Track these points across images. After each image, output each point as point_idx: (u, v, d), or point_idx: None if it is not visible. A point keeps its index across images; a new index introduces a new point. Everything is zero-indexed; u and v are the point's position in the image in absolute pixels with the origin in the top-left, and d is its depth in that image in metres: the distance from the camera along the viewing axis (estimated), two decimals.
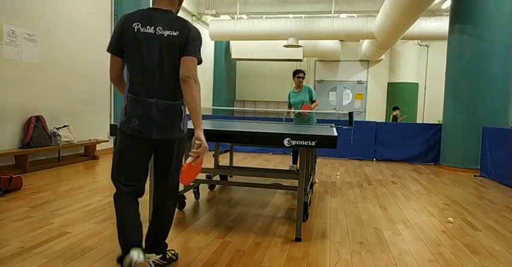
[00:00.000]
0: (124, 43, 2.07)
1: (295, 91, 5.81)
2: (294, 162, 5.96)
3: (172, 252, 2.41)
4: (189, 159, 2.07)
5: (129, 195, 2.13)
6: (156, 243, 2.26)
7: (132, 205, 2.14)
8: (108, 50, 2.12)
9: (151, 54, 2.04)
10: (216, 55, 13.18)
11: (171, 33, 2.04)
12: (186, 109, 2.15)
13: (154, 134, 2.08)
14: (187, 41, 2.06)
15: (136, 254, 1.99)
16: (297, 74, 5.74)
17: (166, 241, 2.33)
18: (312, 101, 5.72)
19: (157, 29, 2.04)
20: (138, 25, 2.04)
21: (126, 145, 2.12)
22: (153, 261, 2.19)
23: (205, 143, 2.08)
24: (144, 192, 2.20)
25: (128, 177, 2.12)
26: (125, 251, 2.03)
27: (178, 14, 2.20)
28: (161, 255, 2.25)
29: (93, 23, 6.92)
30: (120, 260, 2.05)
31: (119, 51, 2.09)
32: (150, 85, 2.06)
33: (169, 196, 2.28)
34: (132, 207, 2.14)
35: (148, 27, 2.05)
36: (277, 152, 8.27)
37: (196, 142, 2.07)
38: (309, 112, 5.68)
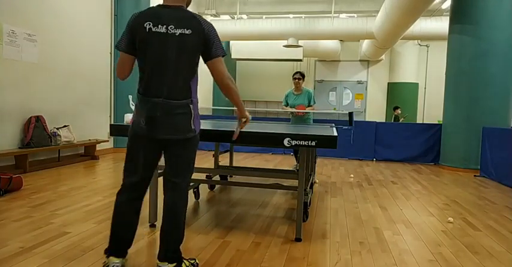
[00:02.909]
0: (136, 43, 2.05)
1: (295, 93, 5.79)
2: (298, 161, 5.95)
3: (192, 261, 2.29)
4: (240, 127, 2.43)
5: (130, 192, 2.18)
6: (167, 249, 2.16)
7: (130, 208, 2.19)
8: (119, 48, 2.09)
9: (163, 54, 2.02)
10: None
11: (183, 32, 2.01)
12: (196, 107, 2.18)
13: (161, 134, 2.08)
14: (207, 40, 2.05)
15: (113, 264, 2.15)
16: (294, 75, 5.74)
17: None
18: (309, 105, 5.72)
19: (169, 27, 2.01)
20: (149, 24, 2.01)
21: (135, 143, 2.16)
22: None
23: (248, 117, 2.41)
24: (146, 189, 2.25)
25: (134, 174, 2.16)
26: (110, 252, 2.19)
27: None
28: (175, 263, 2.14)
29: (94, 23, 6.92)
30: (106, 252, 2.21)
31: (132, 49, 2.07)
32: (158, 85, 2.04)
33: (179, 195, 2.20)
34: (128, 211, 2.19)
35: (160, 26, 2.01)
36: (277, 152, 8.27)
37: (243, 119, 2.42)
38: (303, 112, 5.68)
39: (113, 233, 2.19)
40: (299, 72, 5.76)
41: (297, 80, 5.69)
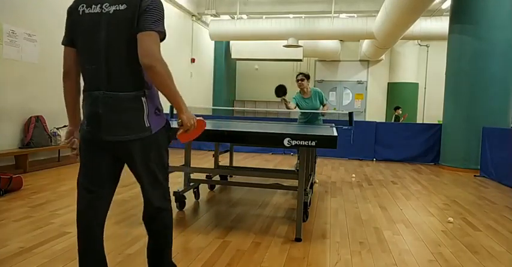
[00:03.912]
0: (73, 31, 1.76)
1: (304, 97, 5.35)
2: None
3: None
4: (180, 131, 1.85)
5: (89, 214, 1.83)
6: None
7: (92, 235, 1.84)
8: (61, 43, 1.81)
9: (97, 38, 1.69)
10: (216, 55, 13.18)
11: (117, 8, 1.67)
12: (153, 101, 1.80)
13: (107, 136, 1.72)
14: (141, 13, 1.65)
15: None
16: (296, 77, 5.32)
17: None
18: (322, 104, 5.34)
19: (103, 6, 1.69)
20: (83, 7, 1.73)
21: (84, 151, 1.82)
22: None
23: (188, 121, 1.80)
24: (110, 200, 1.89)
25: (88, 184, 1.82)
26: None
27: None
28: None
29: None
30: None
31: (69, 40, 1.78)
32: (96, 76, 1.71)
33: (151, 213, 1.87)
34: (92, 239, 1.84)
35: (94, 6, 1.71)
36: (277, 152, 8.27)
37: (178, 121, 1.84)
38: (314, 112, 5.48)
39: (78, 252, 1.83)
40: (302, 73, 5.32)
41: (300, 82, 5.26)
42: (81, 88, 1.86)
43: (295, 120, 5.99)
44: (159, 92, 1.79)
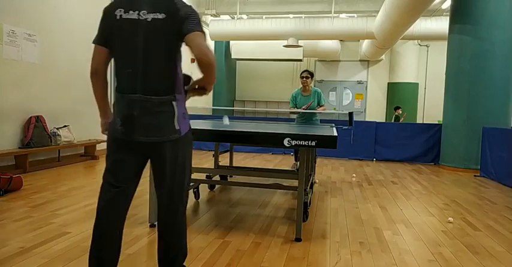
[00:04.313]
0: (108, 33, 1.84)
1: (304, 94, 5.50)
2: (297, 159, 5.86)
3: None
4: (191, 94, 1.96)
5: (111, 207, 1.88)
6: None
7: (112, 225, 1.90)
8: (93, 42, 1.90)
9: (134, 43, 1.78)
10: (216, 55, 13.17)
11: (155, 17, 1.75)
12: (182, 105, 1.89)
13: (139, 136, 1.81)
14: (181, 20, 1.76)
15: None
16: (301, 74, 5.44)
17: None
18: (319, 105, 5.47)
19: (141, 13, 1.77)
20: (120, 11, 1.79)
21: (113, 148, 1.89)
22: None
23: (208, 93, 1.97)
24: (132, 196, 1.96)
25: (114, 180, 1.88)
26: None
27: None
28: None
29: (93, 23, 6.90)
30: None
31: (103, 40, 1.86)
32: (133, 80, 1.80)
33: (169, 215, 1.91)
34: (110, 229, 1.89)
35: (131, 12, 1.78)
36: (277, 152, 8.27)
37: (197, 86, 1.94)
38: (312, 112, 5.53)
39: (92, 259, 1.88)
40: (307, 71, 5.46)
41: (304, 79, 5.38)
42: (108, 86, 1.97)
43: (294, 120, 6.01)
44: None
